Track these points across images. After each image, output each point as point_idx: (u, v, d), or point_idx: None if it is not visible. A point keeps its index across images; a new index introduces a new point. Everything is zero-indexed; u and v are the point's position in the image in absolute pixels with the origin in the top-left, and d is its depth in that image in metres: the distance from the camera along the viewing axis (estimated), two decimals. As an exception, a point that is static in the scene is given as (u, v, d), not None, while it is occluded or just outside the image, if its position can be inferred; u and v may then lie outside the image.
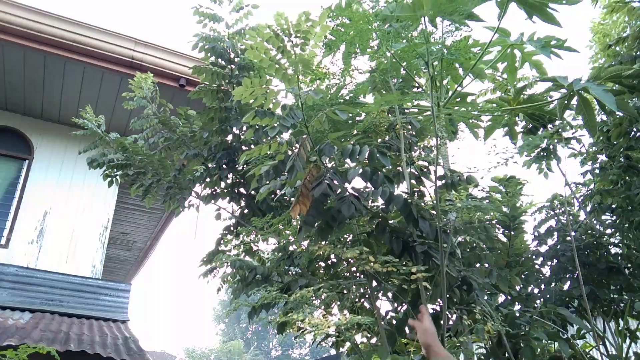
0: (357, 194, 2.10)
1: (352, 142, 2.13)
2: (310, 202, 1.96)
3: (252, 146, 3.45)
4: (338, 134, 2.15)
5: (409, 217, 2.03)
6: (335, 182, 2.02)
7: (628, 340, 3.04)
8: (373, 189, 2.06)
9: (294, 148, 2.03)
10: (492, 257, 2.64)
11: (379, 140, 2.64)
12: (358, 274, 2.50)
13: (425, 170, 2.63)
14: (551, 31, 1.80)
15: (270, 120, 1.94)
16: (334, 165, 2.29)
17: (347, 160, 2.28)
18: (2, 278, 5.34)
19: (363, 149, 1.97)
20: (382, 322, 2.33)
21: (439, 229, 1.95)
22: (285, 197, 3.35)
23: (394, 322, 2.36)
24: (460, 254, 2.49)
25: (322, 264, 2.84)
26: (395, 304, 2.46)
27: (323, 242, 2.22)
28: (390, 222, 2.26)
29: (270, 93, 1.89)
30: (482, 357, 2.74)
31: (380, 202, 2.31)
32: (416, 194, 2.62)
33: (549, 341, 2.61)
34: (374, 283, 2.35)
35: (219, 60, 3.37)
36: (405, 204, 2.04)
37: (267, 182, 2.14)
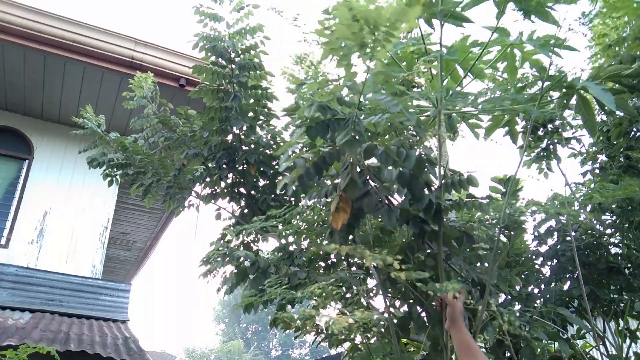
0: (390, 196, 1.96)
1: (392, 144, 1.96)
2: (350, 209, 1.80)
3: (252, 146, 3.45)
4: (388, 141, 1.98)
5: (431, 216, 1.95)
6: (376, 186, 1.86)
7: (628, 340, 3.04)
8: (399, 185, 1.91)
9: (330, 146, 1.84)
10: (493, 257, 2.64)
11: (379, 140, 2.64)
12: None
13: (425, 170, 2.63)
14: (551, 31, 1.80)
15: (332, 117, 1.73)
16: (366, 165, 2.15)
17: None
18: (2, 278, 5.34)
19: (410, 154, 1.80)
20: (384, 322, 2.33)
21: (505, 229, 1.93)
22: (285, 197, 3.35)
23: (395, 321, 2.36)
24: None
25: (322, 264, 2.84)
26: (398, 302, 2.46)
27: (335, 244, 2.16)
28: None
29: (335, 87, 1.70)
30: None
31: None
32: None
33: (549, 341, 2.61)
34: (374, 281, 2.35)
35: (220, 59, 3.37)
36: (430, 203, 1.95)
37: (306, 184, 1.94)
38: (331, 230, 1.99)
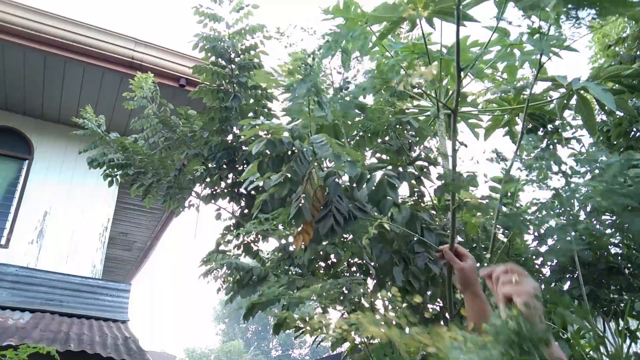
0: (362, 208, 2.02)
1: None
2: (313, 231, 1.87)
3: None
4: (342, 168, 2.06)
5: (414, 230, 2.02)
6: (341, 212, 1.94)
7: (628, 340, 3.04)
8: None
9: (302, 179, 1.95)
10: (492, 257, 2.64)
11: (379, 140, 2.64)
12: (358, 273, 2.50)
13: (425, 170, 2.64)
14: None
15: (280, 150, 1.84)
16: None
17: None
18: (2, 278, 5.34)
19: (372, 178, 1.89)
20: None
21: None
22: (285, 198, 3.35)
23: (394, 322, 2.35)
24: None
25: (322, 264, 2.84)
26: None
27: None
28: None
29: (278, 128, 1.81)
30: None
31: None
32: (416, 193, 2.62)
33: (549, 341, 2.60)
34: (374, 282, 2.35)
35: (220, 60, 3.37)
36: (412, 218, 2.01)
37: (264, 174, 2.06)
38: (305, 247, 2.07)
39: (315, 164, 1.88)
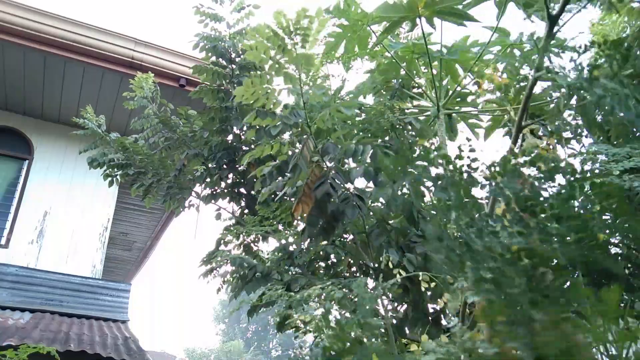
0: (359, 194, 2.07)
1: (354, 142, 2.10)
2: (312, 202, 1.95)
3: (252, 146, 3.45)
4: (341, 133, 2.14)
5: (410, 218, 2.03)
6: (338, 181, 2.01)
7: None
8: (374, 188, 2.04)
9: (296, 149, 2.02)
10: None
11: (379, 140, 2.64)
12: (358, 274, 2.50)
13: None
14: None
15: (271, 120, 1.94)
16: (335, 165, 2.28)
17: (349, 161, 2.27)
18: (2, 278, 5.34)
19: (366, 149, 1.94)
20: (385, 322, 2.33)
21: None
22: (285, 198, 3.36)
23: (394, 322, 2.36)
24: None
25: (322, 264, 2.84)
26: (396, 304, 2.46)
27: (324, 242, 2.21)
28: (390, 222, 2.26)
29: (271, 93, 1.88)
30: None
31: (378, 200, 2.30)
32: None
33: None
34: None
35: (220, 60, 3.38)
36: (407, 204, 2.02)
37: (270, 183, 2.13)
38: (303, 228, 2.13)
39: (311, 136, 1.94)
